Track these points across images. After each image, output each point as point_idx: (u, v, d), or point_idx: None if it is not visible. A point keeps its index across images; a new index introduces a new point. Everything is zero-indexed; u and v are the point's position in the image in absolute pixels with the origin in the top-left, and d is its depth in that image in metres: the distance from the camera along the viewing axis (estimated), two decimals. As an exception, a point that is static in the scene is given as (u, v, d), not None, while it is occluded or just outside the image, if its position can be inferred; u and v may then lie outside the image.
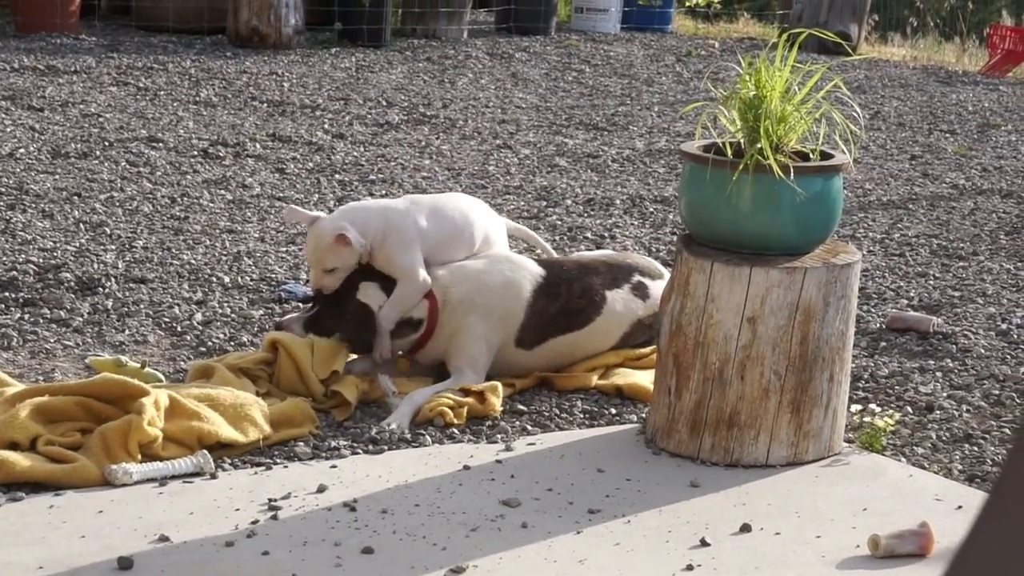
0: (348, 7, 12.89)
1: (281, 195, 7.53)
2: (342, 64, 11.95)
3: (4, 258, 6.03)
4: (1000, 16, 17.72)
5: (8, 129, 8.70)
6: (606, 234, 7.05)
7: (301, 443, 4.31)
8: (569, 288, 4.94)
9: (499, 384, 4.72)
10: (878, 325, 5.79)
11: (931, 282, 6.53)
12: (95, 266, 5.99)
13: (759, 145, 4.18)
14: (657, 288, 4.94)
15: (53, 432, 4.09)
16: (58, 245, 6.30)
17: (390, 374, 4.82)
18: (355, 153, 8.71)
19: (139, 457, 4.04)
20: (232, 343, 5.17)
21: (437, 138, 9.36)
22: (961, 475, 4.35)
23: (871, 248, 7.12)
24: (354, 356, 4.93)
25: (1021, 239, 7.47)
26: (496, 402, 4.62)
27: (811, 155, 4.32)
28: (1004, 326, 5.83)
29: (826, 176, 4.29)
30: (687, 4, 16.46)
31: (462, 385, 4.70)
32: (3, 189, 7.26)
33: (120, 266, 6.02)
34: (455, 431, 4.47)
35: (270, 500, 3.89)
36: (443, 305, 4.87)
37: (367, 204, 5.21)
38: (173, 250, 6.35)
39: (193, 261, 6.19)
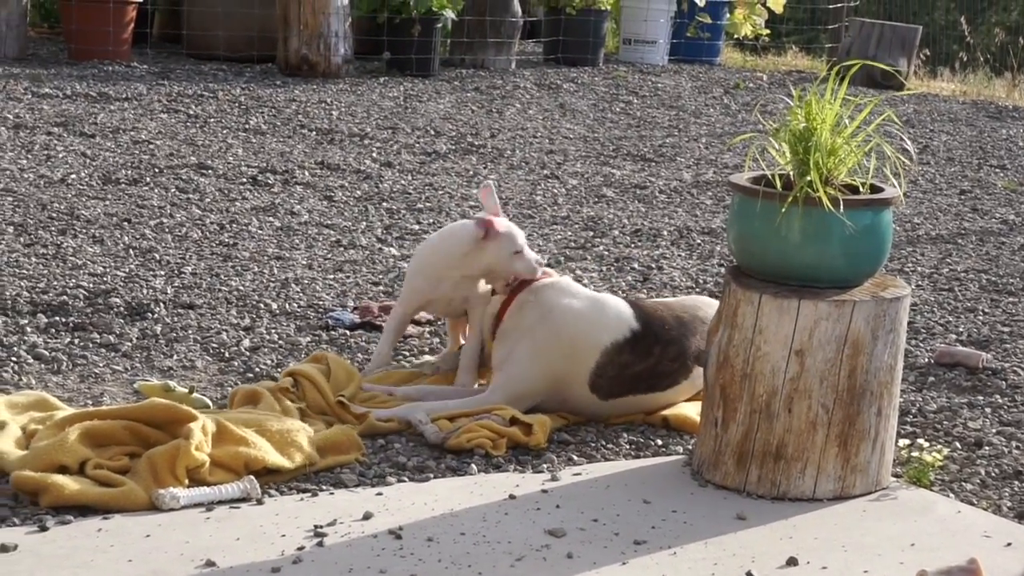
0: (397, 37, 12.95)
1: (329, 223, 7.56)
2: (390, 93, 12.00)
3: (55, 283, 6.08)
4: (1050, 51, 17.64)
5: (60, 155, 8.77)
6: (653, 265, 7.05)
7: (347, 470, 4.32)
8: (664, 351, 4.84)
9: (548, 420, 4.71)
10: (926, 360, 5.76)
11: (980, 317, 6.49)
12: (144, 291, 6.03)
13: (809, 178, 4.17)
14: None
15: (101, 456, 4.11)
16: (108, 270, 6.34)
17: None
18: (403, 182, 8.74)
19: (186, 482, 4.05)
20: (279, 369, 5.19)
21: (485, 167, 9.38)
22: (1010, 512, 4.32)
23: (920, 282, 7.09)
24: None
25: (1071, 275, 7.42)
26: (542, 437, 4.60)
27: (861, 188, 4.31)
28: (1054, 362, 5.79)
29: (876, 209, 4.28)
30: (735, 36, 16.45)
31: (498, 409, 4.69)
32: (54, 214, 7.32)
33: (169, 292, 6.06)
34: (501, 460, 4.47)
35: (316, 527, 3.90)
36: (532, 293, 4.88)
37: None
38: (221, 276, 6.38)
39: (241, 287, 6.22)
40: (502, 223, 4.94)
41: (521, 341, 4.82)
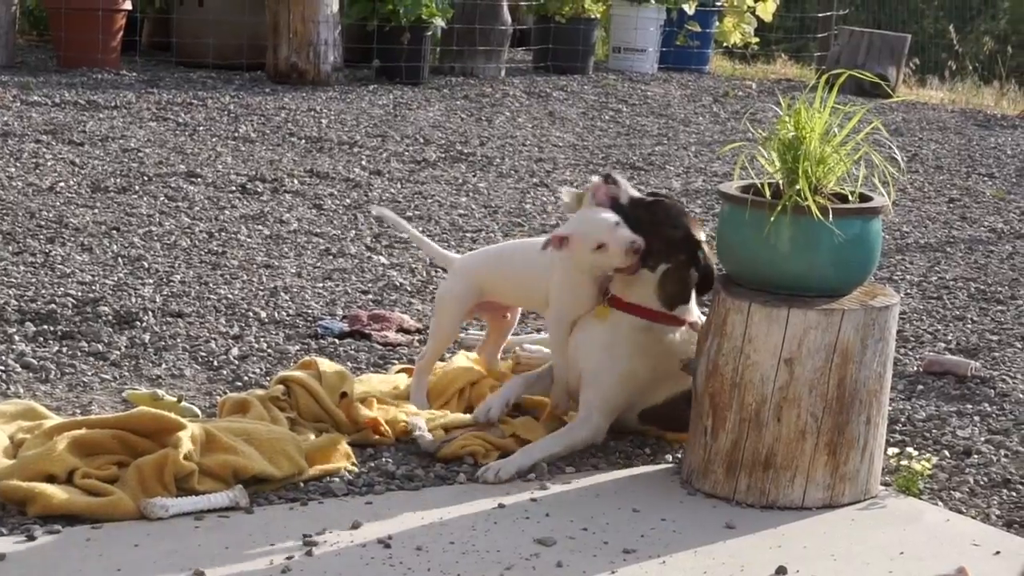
0: (387, 45, 12.95)
1: (318, 231, 7.55)
2: (380, 101, 12.00)
3: (43, 291, 6.07)
4: (1039, 60, 17.68)
5: (49, 163, 8.76)
6: (642, 273, 7.04)
7: (336, 479, 4.31)
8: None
9: (542, 427, 4.70)
10: (915, 368, 5.76)
11: (969, 326, 6.50)
12: (133, 300, 6.02)
13: (798, 186, 4.18)
14: None
15: (90, 465, 4.10)
16: (96, 279, 6.33)
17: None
18: (392, 190, 8.73)
19: (175, 491, 4.04)
20: (268, 378, 5.18)
21: (474, 176, 9.39)
22: (999, 520, 4.32)
23: (909, 291, 7.10)
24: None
25: (1060, 283, 7.43)
26: None
27: (850, 197, 4.31)
28: (1043, 371, 5.80)
29: (865, 218, 4.28)
30: (724, 45, 16.47)
31: (581, 435, 4.58)
32: (43, 222, 7.31)
33: (158, 300, 6.05)
34: (490, 469, 4.47)
35: (305, 536, 3.89)
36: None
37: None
38: (210, 284, 6.37)
39: (230, 296, 6.21)
40: (568, 227, 4.64)
41: (609, 362, 4.60)
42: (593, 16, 14.74)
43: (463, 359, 5.24)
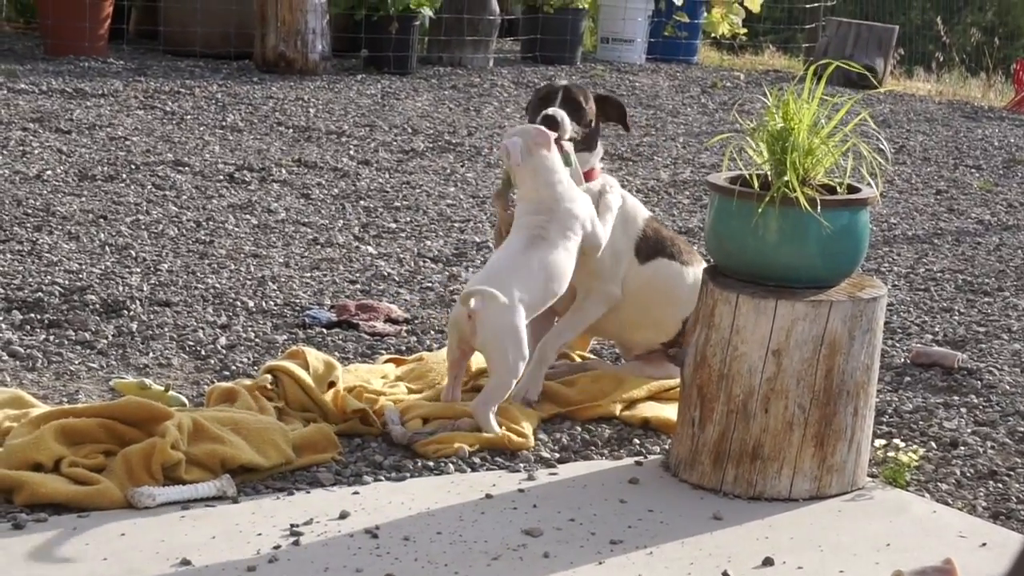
0: (375, 34, 12.94)
1: (306, 220, 7.54)
2: (368, 91, 11.99)
3: (30, 279, 6.06)
4: (1026, 52, 17.68)
5: (36, 151, 8.74)
6: (630, 264, 7.04)
7: (323, 469, 4.31)
8: None
9: (535, 414, 4.72)
10: (902, 360, 5.77)
11: (956, 317, 6.51)
12: (120, 288, 6.01)
13: (786, 178, 4.18)
14: None
15: (77, 454, 4.09)
16: (84, 267, 6.32)
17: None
18: (380, 180, 8.73)
19: (162, 480, 4.04)
20: (256, 367, 5.17)
21: (462, 165, 9.38)
22: (985, 512, 4.33)
23: (896, 282, 7.11)
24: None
25: (1046, 275, 7.44)
26: (530, 440, 4.62)
27: (838, 188, 4.32)
28: (1029, 362, 5.81)
29: (853, 209, 4.28)
30: (713, 35, 16.47)
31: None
32: (30, 211, 7.30)
33: (145, 289, 6.04)
34: (476, 460, 4.46)
35: (292, 525, 3.89)
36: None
37: None
38: (198, 274, 6.36)
39: (218, 285, 6.20)
40: (518, 135, 5.11)
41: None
42: (581, 6, 14.74)
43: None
